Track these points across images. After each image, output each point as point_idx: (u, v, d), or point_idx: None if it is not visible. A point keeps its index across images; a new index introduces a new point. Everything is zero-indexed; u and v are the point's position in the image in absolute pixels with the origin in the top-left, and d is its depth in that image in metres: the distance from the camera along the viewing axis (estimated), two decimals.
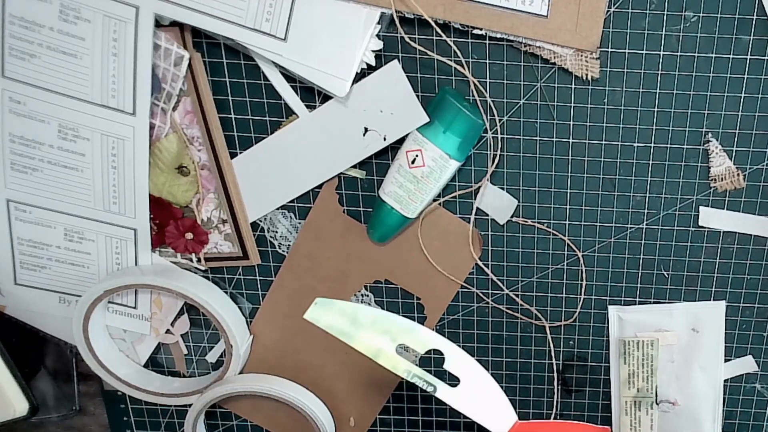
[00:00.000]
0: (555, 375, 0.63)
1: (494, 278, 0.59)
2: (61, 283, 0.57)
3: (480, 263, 0.58)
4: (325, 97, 0.53)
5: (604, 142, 0.54)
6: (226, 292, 0.59)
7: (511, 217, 0.57)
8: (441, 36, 0.50)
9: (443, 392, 0.47)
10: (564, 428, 0.53)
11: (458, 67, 0.51)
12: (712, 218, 0.57)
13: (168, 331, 0.61)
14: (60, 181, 0.53)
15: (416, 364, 0.47)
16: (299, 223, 0.57)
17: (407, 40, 0.51)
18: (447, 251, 0.58)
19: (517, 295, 0.59)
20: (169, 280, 0.55)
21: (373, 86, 0.51)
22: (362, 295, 0.60)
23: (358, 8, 0.49)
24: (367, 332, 0.45)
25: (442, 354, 0.47)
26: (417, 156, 0.52)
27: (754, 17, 0.50)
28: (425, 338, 0.46)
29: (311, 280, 0.59)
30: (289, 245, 0.58)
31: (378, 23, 0.50)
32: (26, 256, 0.56)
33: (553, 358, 0.62)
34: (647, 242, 0.58)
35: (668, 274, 0.59)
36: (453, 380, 0.48)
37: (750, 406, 0.63)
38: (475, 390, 0.48)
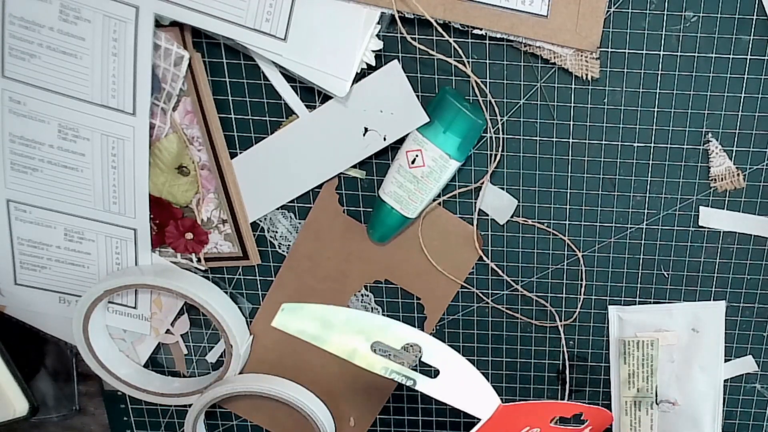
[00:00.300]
0: (565, 374, 0.63)
1: (501, 274, 0.59)
2: (61, 283, 0.57)
3: (485, 258, 0.58)
4: (325, 97, 0.53)
5: (604, 142, 0.54)
6: (226, 292, 0.59)
7: (511, 217, 0.57)
8: (441, 36, 0.50)
9: (423, 384, 0.46)
10: (548, 408, 0.53)
11: (459, 65, 0.51)
12: (712, 218, 0.57)
13: (168, 331, 0.61)
14: (60, 181, 0.53)
15: (393, 360, 0.46)
16: (299, 223, 0.57)
17: (408, 39, 0.51)
18: (447, 251, 0.58)
19: (522, 292, 0.59)
20: (169, 280, 0.55)
21: (373, 86, 0.51)
22: (362, 295, 0.60)
23: (358, 8, 0.49)
24: (339, 334, 0.44)
25: (419, 347, 0.47)
26: (417, 156, 0.52)
27: (754, 17, 0.50)
28: (400, 333, 0.45)
29: (311, 280, 0.59)
30: (289, 245, 0.58)
31: (378, 23, 0.50)
32: (26, 256, 0.56)
33: (566, 358, 0.62)
34: (647, 242, 0.58)
35: (668, 274, 0.59)
36: (432, 372, 0.48)
37: (750, 406, 0.63)
38: (456, 378, 0.47)
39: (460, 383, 0.47)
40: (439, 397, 0.47)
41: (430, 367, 0.47)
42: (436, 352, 0.46)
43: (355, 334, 0.44)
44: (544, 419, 0.53)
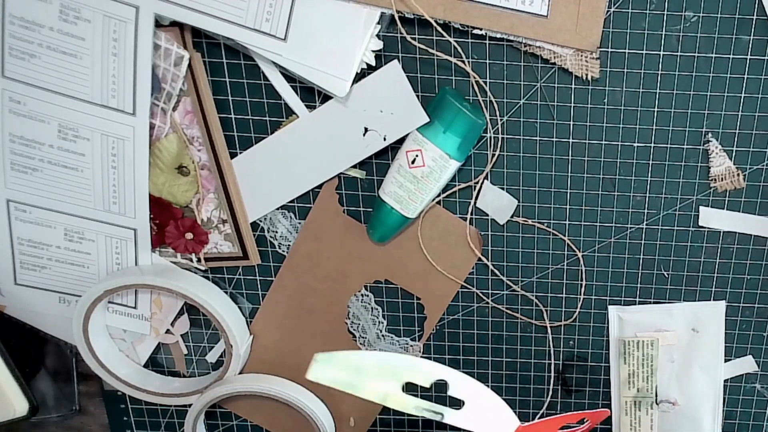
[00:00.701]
0: (554, 375, 0.63)
1: (499, 275, 0.59)
2: (61, 283, 0.57)
3: (484, 259, 0.58)
4: (325, 97, 0.53)
5: (604, 142, 0.54)
6: (226, 292, 0.59)
7: (511, 217, 0.57)
8: (441, 36, 0.50)
9: (450, 417, 0.48)
10: (560, 421, 0.54)
11: (459, 63, 0.51)
12: (712, 218, 0.57)
13: (168, 331, 0.61)
14: (60, 181, 0.53)
15: (422, 397, 0.48)
16: (299, 223, 0.57)
17: (408, 39, 0.51)
18: (447, 251, 0.58)
19: (520, 292, 0.59)
20: (169, 280, 0.55)
21: (373, 86, 0.51)
22: (362, 295, 0.60)
23: (358, 8, 0.49)
24: (372, 379, 0.45)
25: (446, 382, 0.48)
26: (417, 156, 0.52)
27: (754, 17, 0.50)
28: (428, 372, 0.47)
29: (311, 280, 0.59)
30: (289, 245, 0.58)
31: (378, 23, 0.50)
32: (26, 256, 0.56)
33: (553, 358, 0.62)
34: (647, 242, 0.58)
35: (668, 274, 0.59)
36: (456, 401, 0.50)
37: (750, 406, 0.63)
38: (479, 407, 0.49)
39: (483, 410, 0.49)
40: (464, 426, 0.49)
41: (454, 398, 0.49)
42: (461, 384, 0.48)
43: (387, 378, 0.45)
44: (554, 429, 0.54)
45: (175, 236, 0.56)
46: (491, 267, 0.58)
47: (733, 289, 0.59)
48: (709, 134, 0.54)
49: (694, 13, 0.50)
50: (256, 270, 0.59)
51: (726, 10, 0.50)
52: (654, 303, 0.60)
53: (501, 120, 0.54)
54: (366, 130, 0.53)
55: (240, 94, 0.53)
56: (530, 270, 0.59)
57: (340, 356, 0.44)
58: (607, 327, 0.61)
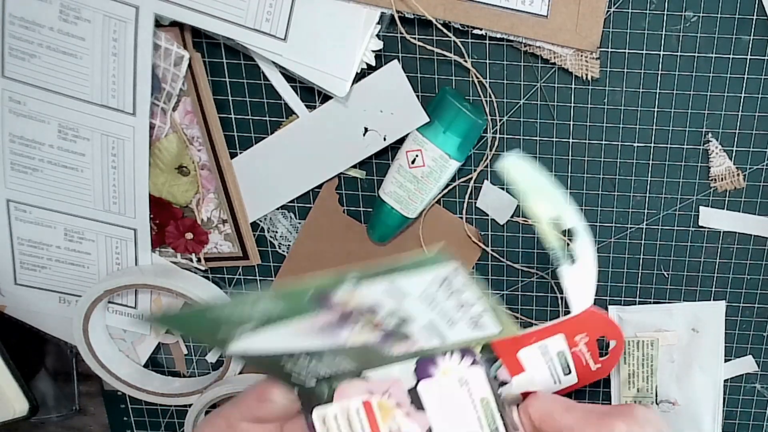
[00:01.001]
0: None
1: (508, 263, 0.59)
2: (61, 283, 0.57)
3: (489, 251, 0.58)
4: (325, 97, 0.53)
5: (604, 142, 0.54)
6: (226, 292, 0.59)
7: (511, 216, 0.57)
8: (441, 36, 0.50)
9: (563, 269, 0.48)
10: (607, 322, 0.52)
11: (460, 59, 0.51)
12: (712, 218, 0.57)
13: (168, 331, 0.61)
14: (60, 181, 0.53)
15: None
16: (299, 223, 0.57)
17: (408, 38, 0.51)
18: (447, 251, 0.58)
19: (524, 293, 0.59)
20: (169, 280, 0.55)
21: (373, 86, 0.51)
22: None
23: (358, 8, 0.49)
24: (540, 199, 0.46)
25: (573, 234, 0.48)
26: (417, 156, 0.52)
27: (754, 17, 0.50)
28: (569, 218, 0.47)
29: None
30: (289, 245, 0.58)
31: (378, 23, 0.50)
32: (26, 256, 0.56)
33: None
34: (647, 242, 0.58)
35: (668, 274, 0.59)
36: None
37: (750, 406, 0.63)
38: (582, 269, 0.49)
39: (582, 274, 0.49)
40: (565, 284, 0.49)
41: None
42: (581, 242, 0.49)
43: (548, 204, 0.47)
44: (595, 332, 0.52)
45: (175, 236, 0.56)
46: (491, 265, 0.58)
47: (733, 289, 0.59)
48: (709, 134, 0.54)
49: (694, 13, 0.50)
50: (256, 270, 0.59)
51: (726, 10, 0.50)
52: (654, 303, 0.60)
53: (501, 120, 0.54)
54: (366, 130, 0.53)
55: (240, 94, 0.53)
56: (530, 270, 0.59)
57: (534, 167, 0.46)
58: None
